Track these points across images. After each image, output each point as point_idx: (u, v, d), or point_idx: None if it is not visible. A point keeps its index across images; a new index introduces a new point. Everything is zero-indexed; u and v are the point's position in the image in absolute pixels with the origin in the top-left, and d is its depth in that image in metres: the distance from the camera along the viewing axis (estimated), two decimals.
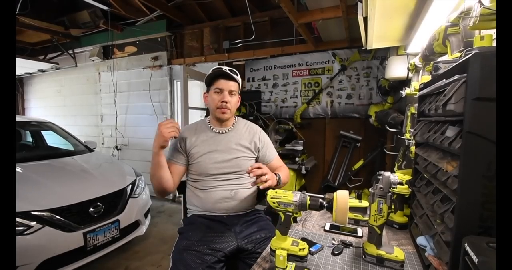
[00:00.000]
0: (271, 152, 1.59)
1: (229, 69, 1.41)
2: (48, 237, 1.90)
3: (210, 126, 1.51)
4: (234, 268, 1.33)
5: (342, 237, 1.15)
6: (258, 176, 1.20)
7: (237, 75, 1.44)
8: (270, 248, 0.96)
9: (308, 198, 0.91)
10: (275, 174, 1.33)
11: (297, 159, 3.07)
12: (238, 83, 1.46)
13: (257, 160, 1.55)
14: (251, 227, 1.37)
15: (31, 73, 5.85)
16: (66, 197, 2.12)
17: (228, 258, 1.27)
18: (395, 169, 1.84)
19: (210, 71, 1.44)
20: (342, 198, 0.84)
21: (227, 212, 1.42)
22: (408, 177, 1.22)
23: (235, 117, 1.59)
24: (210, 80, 1.45)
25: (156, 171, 1.32)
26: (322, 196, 1.58)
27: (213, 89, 1.43)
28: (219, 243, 1.27)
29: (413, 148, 1.27)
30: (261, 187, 1.20)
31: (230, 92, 1.43)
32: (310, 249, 1.03)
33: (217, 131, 1.50)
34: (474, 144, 0.60)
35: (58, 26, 4.17)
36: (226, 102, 1.41)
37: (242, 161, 1.46)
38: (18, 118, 3.51)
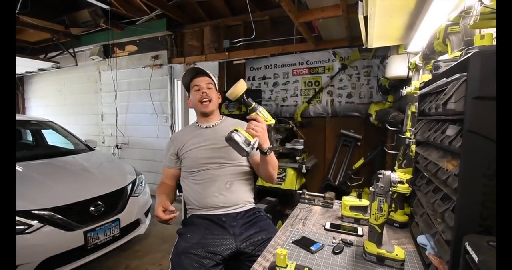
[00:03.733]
0: None
1: (200, 68, 1.55)
2: (49, 236, 1.90)
3: (198, 124, 1.60)
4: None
5: (343, 236, 1.15)
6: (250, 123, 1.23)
7: (209, 73, 1.57)
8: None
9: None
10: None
11: (297, 158, 3.07)
12: (213, 80, 1.57)
13: None
14: (251, 229, 1.36)
15: (31, 72, 5.85)
16: (67, 196, 2.13)
17: (226, 261, 1.27)
18: (396, 167, 1.85)
19: (183, 75, 1.56)
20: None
21: (224, 206, 1.42)
22: (408, 176, 1.22)
23: (222, 116, 1.67)
24: (188, 83, 1.57)
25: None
26: (323, 195, 1.58)
27: (192, 88, 1.55)
28: (217, 246, 1.26)
29: (413, 147, 1.28)
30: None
31: (207, 85, 1.54)
32: (311, 247, 1.03)
33: (205, 126, 1.58)
34: (475, 142, 0.60)
35: (58, 25, 4.17)
36: (206, 93, 1.51)
37: (232, 150, 1.44)
38: (19, 117, 3.51)
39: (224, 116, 1.68)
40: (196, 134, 1.54)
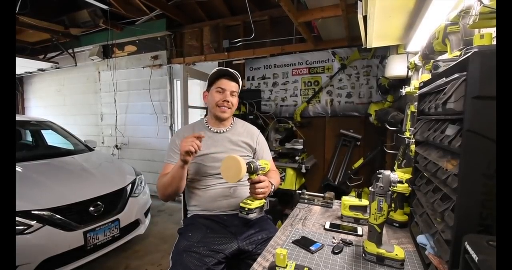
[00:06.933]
0: (266, 156, 1.61)
1: (232, 71, 1.45)
2: (48, 236, 1.90)
3: (208, 126, 1.53)
4: (236, 269, 1.33)
5: (342, 236, 1.16)
6: (255, 188, 1.23)
7: (239, 77, 1.48)
8: (239, 206, 1.20)
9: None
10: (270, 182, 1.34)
11: (297, 158, 3.07)
12: (239, 86, 1.51)
13: None
14: (252, 228, 1.37)
15: (31, 73, 5.85)
16: (66, 196, 2.13)
17: (228, 259, 1.27)
18: (395, 167, 1.84)
19: (214, 70, 1.46)
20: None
21: (227, 209, 1.42)
22: (408, 176, 1.22)
23: (233, 118, 1.61)
24: (212, 79, 1.47)
25: (173, 181, 1.31)
26: (322, 195, 1.58)
27: (215, 88, 1.46)
28: (219, 245, 1.26)
29: (413, 147, 1.27)
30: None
31: (232, 93, 1.46)
32: (311, 247, 1.03)
33: (215, 131, 1.51)
34: (474, 142, 0.60)
35: (58, 26, 4.17)
36: (228, 102, 1.44)
37: None
38: (18, 117, 3.51)
39: (234, 119, 1.62)
40: (206, 137, 1.44)
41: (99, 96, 5.11)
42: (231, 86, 1.45)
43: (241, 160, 1.14)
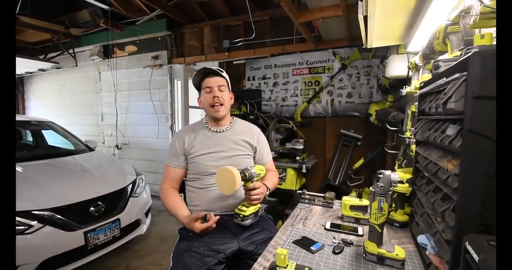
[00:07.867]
0: (266, 155, 1.62)
1: (213, 68, 1.47)
2: (49, 236, 1.90)
3: (208, 126, 1.53)
4: (237, 269, 1.33)
5: (343, 236, 1.15)
6: (250, 195, 1.25)
7: (223, 72, 1.48)
8: (235, 211, 1.25)
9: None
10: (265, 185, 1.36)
11: (297, 158, 3.07)
12: (226, 80, 1.50)
13: (253, 160, 1.57)
14: (252, 228, 1.36)
15: (31, 73, 5.86)
16: (67, 196, 2.13)
17: (229, 259, 1.27)
18: (396, 167, 1.85)
19: (193, 75, 1.49)
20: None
21: (227, 210, 1.42)
22: (408, 176, 1.22)
23: (233, 118, 1.61)
24: (198, 83, 1.50)
25: (174, 216, 1.40)
26: (323, 195, 1.58)
27: (203, 89, 1.48)
28: (219, 245, 1.26)
29: (413, 147, 1.28)
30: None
31: (219, 88, 1.46)
32: (311, 247, 1.03)
33: (215, 130, 1.51)
34: (475, 142, 0.60)
35: (58, 26, 4.17)
36: (218, 97, 1.44)
37: (241, 159, 1.47)
38: (19, 117, 3.51)
39: (234, 118, 1.61)
40: (206, 137, 1.48)
41: (99, 96, 5.11)
42: (217, 81, 1.45)
43: (236, 171, 1.14)
